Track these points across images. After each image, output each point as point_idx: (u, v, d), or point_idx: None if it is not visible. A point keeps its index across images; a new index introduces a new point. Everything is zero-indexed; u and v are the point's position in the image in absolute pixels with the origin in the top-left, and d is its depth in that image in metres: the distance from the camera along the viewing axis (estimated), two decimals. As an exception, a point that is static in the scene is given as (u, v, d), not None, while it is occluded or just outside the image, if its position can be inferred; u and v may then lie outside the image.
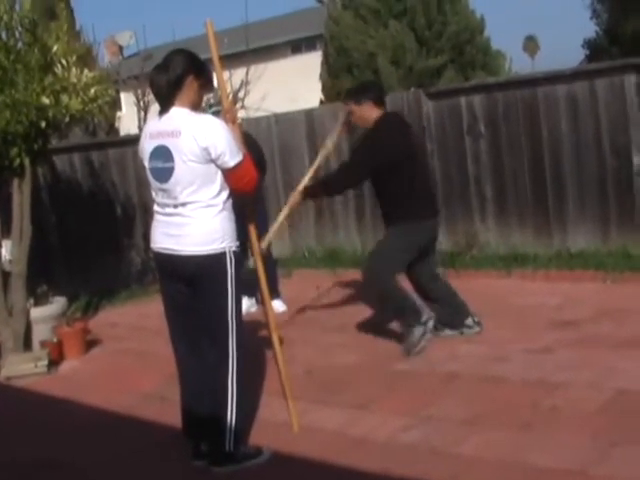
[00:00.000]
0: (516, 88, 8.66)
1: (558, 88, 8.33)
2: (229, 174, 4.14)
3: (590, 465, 3.82)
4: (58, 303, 7.50)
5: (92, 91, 7.06)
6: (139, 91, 14.08)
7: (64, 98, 6.90)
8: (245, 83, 14.25)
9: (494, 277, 8.18)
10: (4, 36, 6.79)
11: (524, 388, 4.97)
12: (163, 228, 4.24)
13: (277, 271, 8.18)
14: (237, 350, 4.23)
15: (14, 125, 6.72)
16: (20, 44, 6.86)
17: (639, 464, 3.79)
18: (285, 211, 6.01)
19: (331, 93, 12.67)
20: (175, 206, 4.15)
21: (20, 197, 7.07)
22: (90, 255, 9.34)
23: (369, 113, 5.97)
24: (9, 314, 7.04)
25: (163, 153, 4.10)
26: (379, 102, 6.04)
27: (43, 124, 6.93)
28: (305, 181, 5.93)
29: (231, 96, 12.56)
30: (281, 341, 4.89)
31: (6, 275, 7.13)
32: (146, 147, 4.23)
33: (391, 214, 6.01)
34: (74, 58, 7.04)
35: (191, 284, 4.20)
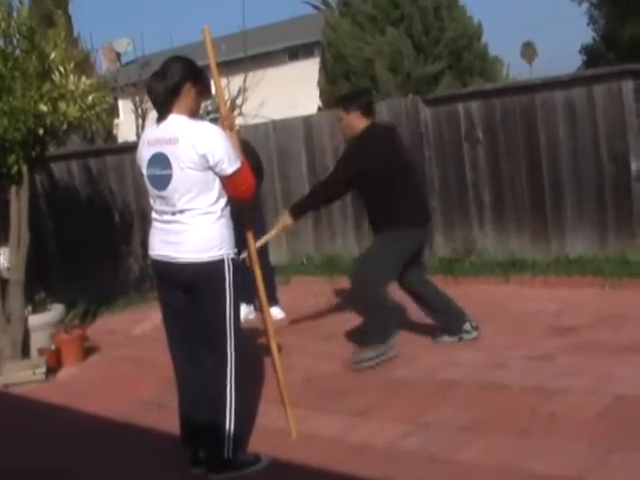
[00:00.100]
0: (514, 94, 8.67)
1: (556, 94, 8.34)
2: (227, 181, 4.14)
3: (588, 471, 3.82)
4: (56, 310, 7.49)
5: (90, 98, 7.07)
6: (137, 98, 14.08)
7: (62, 105, 6.91)
8: (243, 90, 14.27)
9: (492, 283, 8.17)
10: (2, 43, 6.80)
11: (523, 395, 4.96)
12: (161, 235, 4.24)
13: (275, 278, 8.17)
14: (235, 357, 4.22)
15: (12, 132, 6.73)
16: (18, 51, 6.87)
17: (637, 470, 3.79)
18: (272, 233, 6.08)
19: (329, 100, 12.63)
20: (173, 213, 4.15)
21: (18, 204, 7.07)
22: (88, 262, 9.33)
23: (356, 123, 5.98)
24: (7, 321, 7.03)
25: (161, 160, 4.10)
26: (367, 112, 6.02)
27: (41, 131, 6.94)
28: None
29: (229, 103, 12.59)
30: (279, 348, 4.88)
31: (4, 282, 7.12)
32: (144, 154, 4.23)
33: (379, 222, 6.00)
34: (72, 65, 7.05)
35: (189, 291, 4.20)
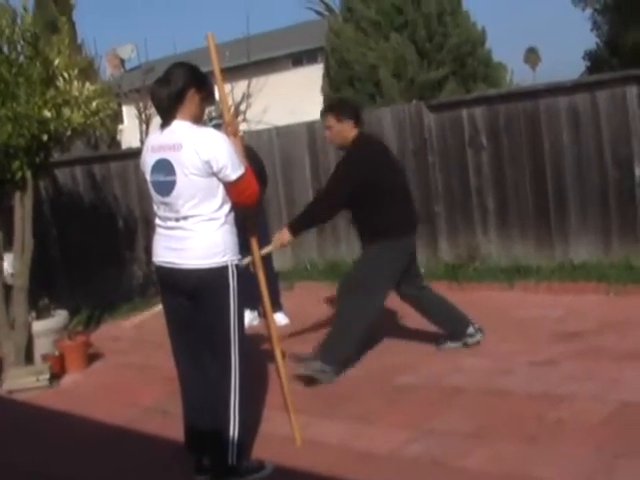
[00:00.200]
0: (517, 100, 8.66)
1: (559, 100, 8.33)
2: (231, 187, 4.13)
3: (595, 477, 3.81)
4: (60, 316, 7.49)
5: (94, 104, 7.07)
6: (141, 104, 14.09)
7: (66, 111, 6.91)
8: (246, 96, 14.26)
9: (496, 289, 8.16)
10: (6, 50, 6.80)
11: (528, 401, 4.95)
12: (165, 242, 4.24)
13: (279, 284, 8.17)
14: (239, 364, 4.21)
15: (16, 138, 6.73)
16: (22, 57, 6.87)
17: (644, 477, 3.78)
18: (268, 249, 5.97)
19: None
20: (177, 219, 4.14)
21: (22, 210, 7.07)
22: (92, 268, 9.33)
23: (348, 131, 5.92)
24: (11, 327, 7.03)
25: (165, 166, 4.10)
26: (358, 122, 5.98)
27: (45, 137, 6.94)
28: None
29: (232, 109, 12.57)
30: (283, 354, 4.88)
31: (8, 288, 7.11)
32: (148, 160, 4.23)
33: (373, 232, 5.91)
34: (76, 71, 7.05)
35: (193, 298, 4.19)
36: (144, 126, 14.20)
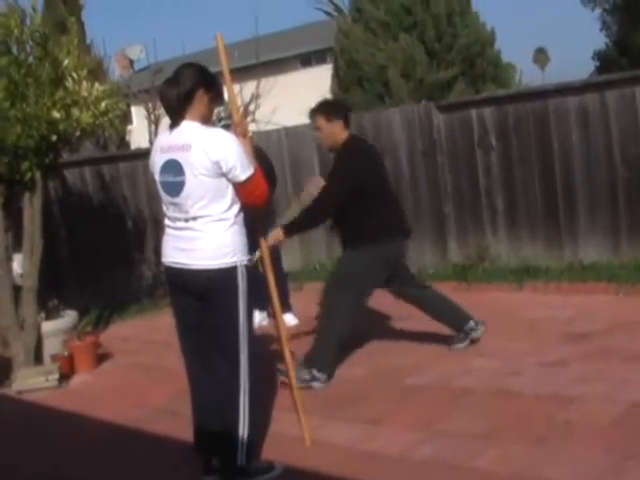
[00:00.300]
0: (527, 100, 8.65)
1: (569, 100, 8.32)
2: (240, 188, 4.13)
3: (604, 478, 3.80)
4: (69, 317, 7.50)
5: (103, 105, 7.08)
6: (150, 104, 14.10)
7: (75, 112, 6.92)
8: (255, 96, 14.26)
9: (506, 290, 8.14)
10: (15, 50, 6.81)
11: (538, 402, 4.93)
12: (174, 242, 4.23)
13: (288, 284, 8.16)
14: (248, 364, 4.20)
15: (25, 139, 6.73)
16: (31, 58, 6.88)
17: (654, 478, 3.76)
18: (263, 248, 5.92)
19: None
20: (186, 220, 4.14)
21: (31, 211, 7.08)
22: (101, 269, 9.34)
23: (339, 133, 5.87)
24: (20, 328, 7.04)
25: (174, 167, 4.09)
26: (347, 123, 5.93)
27: (54, 138, 6.95)
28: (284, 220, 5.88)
29: (242, 109, 12.57)
30: (293, 355, 4.87)
31: (17, 289, 7.12)
32: (157, 161, 4.23)
33: (361, 235, 5.80)
34: (85, 72, 7.06)
35: (202, 298, 4.19)
36: (153, 127, 14.21)
